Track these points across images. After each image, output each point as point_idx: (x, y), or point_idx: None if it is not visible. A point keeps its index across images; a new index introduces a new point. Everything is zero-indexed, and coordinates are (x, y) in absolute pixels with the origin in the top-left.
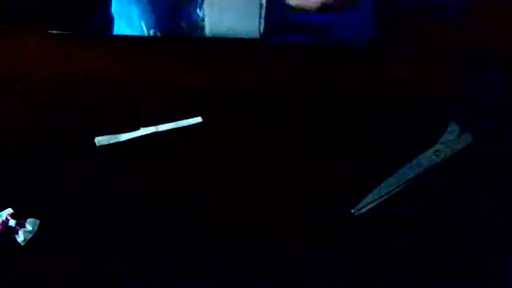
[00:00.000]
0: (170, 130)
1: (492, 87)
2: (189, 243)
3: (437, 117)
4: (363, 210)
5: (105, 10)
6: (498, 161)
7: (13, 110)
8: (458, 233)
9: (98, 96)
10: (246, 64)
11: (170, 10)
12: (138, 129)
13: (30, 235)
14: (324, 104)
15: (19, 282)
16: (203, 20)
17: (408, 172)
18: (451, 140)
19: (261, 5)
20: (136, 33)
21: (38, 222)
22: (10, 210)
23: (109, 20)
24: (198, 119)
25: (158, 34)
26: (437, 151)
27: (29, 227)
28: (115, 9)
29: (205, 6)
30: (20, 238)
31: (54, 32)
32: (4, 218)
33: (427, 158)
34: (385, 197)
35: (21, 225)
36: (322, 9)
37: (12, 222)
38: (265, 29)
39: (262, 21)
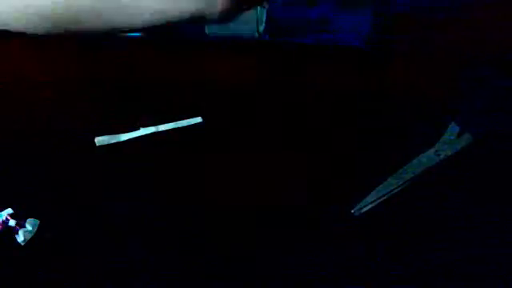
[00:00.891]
0: (170, 130)
1: (492, 87)
2: (189, 243)
3: (437, 117)
4: (363, 210)
5: None
6: (498, 161)
7: (13, 110)
8: (458, 233)
9: (98, 96)
10: (246, 64)
11: None
12: (138, 129)
13: (30, 235)
14: (324, 104)
15: (19, 281)
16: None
17: (408, 172)
18: (451, 140)
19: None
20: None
21: (37, 221)
22: (9, 210)
23: None
24: (198, 119)
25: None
26: (437, 151)
27: (29, 227)
28: None
29: None
30: (20, 238)
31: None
32: (4, 218)
33: (427, 157)
34: (385, 197)
35: (21, 225)
36: None
37: (12, 222)
38: (264, 29)
39: (262, 20)
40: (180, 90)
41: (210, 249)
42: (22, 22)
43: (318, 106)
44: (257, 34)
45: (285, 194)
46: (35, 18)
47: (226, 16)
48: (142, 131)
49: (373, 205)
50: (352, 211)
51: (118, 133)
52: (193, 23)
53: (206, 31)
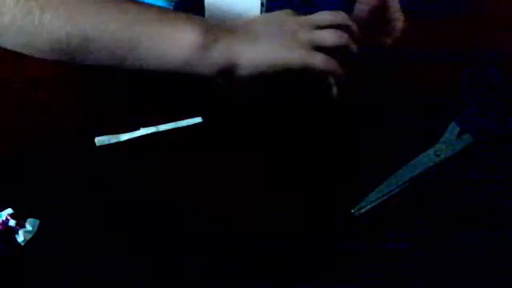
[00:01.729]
0: (170, 130)
1: (492, 87)
2: (189, 243)
3: (437, 117)
4: (363, 210)
5: None
6: (498, 161)
7: (12, 110)
8: (457, 233)
9: (99, 96)
10: None
11: None
12: (138, 129)
13: (30, 235)
14: (324, 103)
15: (19, 281)
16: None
17: (408, 172)
18: (451, 140)
19: (262, 4)
20: None
21: (37, 221)
22: (9, 210)
23: None
24: (198, 119)
25: None
26: (437, 151)
27: (29, 227)
28: None
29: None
30: (20, 238)
31: None
32: (4, 218)
33: (427, 157)
34: (385, 197)
35: (21, 225)
36: None
37: (12, 222)
38: None
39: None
40: (180, 90)
41: (209, 249)
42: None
43: (318, 105)
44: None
45: (285, 194)
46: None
47: None
48: (142, 131)
49: (373, 205)
50: (352, 211)
51: (118, 133)
52: None
53: (206, 14)
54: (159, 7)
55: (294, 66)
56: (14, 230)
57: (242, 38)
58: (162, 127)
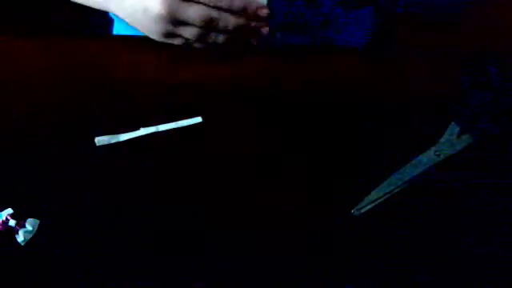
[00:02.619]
0: (170, 130)
1: (492, 87)
2: (189, 243)
3: (437, 117)
4: (363, 210)
5: (102, 12)
6: (498, 161)
7: (13, 110)
8: (458, 233)
9: (98, 96)
10: (246, 64)
11: None
12: (138, 129)
13: (30, 235)
14: (324, 103)
15: (19, 281)
16: None
17: (408, 172)
18: (451, 140)
19: None
20: (134, 31)
21: (38, 221)
22: (10, 210)
23: (108, 22)
24: (198, 119)
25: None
26: (437, 151)
27: (29, 227)
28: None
29: None
30: (20, 238)
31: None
32: (4, 218)
33: (427, 157)
34: (385, 197)
35: (21, 225)
36: None
37: (12, 222)
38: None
39: None
40: (180, 90)
41: (209, 248)
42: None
43: (318, 105)
44: None
45: (285, 194)
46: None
47: None
48: (142, 131)
49: (373, 205)
50: (352, 211)
51: (118, 133)
52: None
53: None
54: None
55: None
56: (14, 230)
57: None
58: (162, 127)
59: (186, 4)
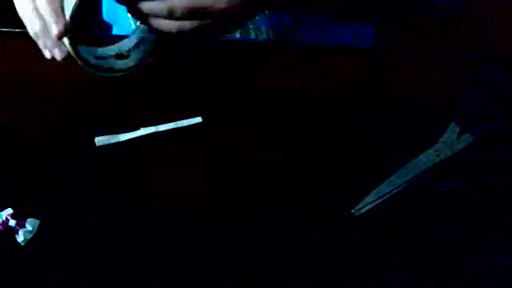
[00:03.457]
0: (170, 130)
1: (492, 87)
2: (189, 243)
3: (437, 117)
4: (363, 210)
5: (97, 16)
6: (498, 161)
7: (12, 110)
8: (457, 233)
9: (98, 96)
10: (245, 64)
11: None
12: (138, 129)
13: (30, 235)
14: (324, 104)
15: (19, 281)
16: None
17: (408, 172)
18: (451, 140)
19: None
20: (126, 31)
21: (38, 221)
22: (10, 210)
23: (106, 27)
24: (198, 119)
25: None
26: (437, 151)
27: (29, 227)
28: (106, 14)
29: None
30: (20, 238)
31: None
32: (4, 218)
33: (427, 157)
34: (385, 197)
35: (21, 225)
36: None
37: (12, 222)
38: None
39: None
40: (180, 90)
41: (209, 248)
42: None
43: (318, 106)
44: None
45: (285, 194)
46: None
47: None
48: (142, 131)
49: (373, 205)
50: (352, 211)
51: (118, 133)
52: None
53: None
54: None
55: None
56: (14, 230)
57: None
58: (162, 127)
59: None
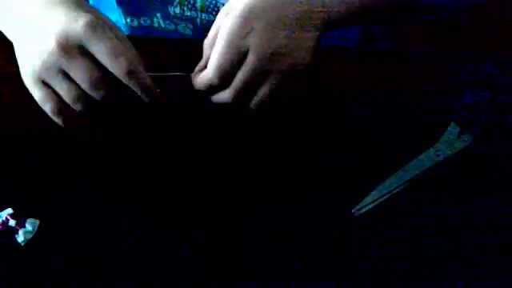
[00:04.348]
0: (170, 129)
1: (492, 87)
2: (188, 243)
3: (437, 117)
4: (363, 210)
5: None
6: (498, 161)
7: (13, 110)
8: (458, 233)
9: None
10: None
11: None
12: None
13: (30, 235)
14: (323, 104)
15: (19, 281)
16: (175, 17)
17: (408, 172)
18: (451, 140)
19: None
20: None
21: (38, 221)
22: (9, 210)
23: None
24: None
25: (135, 22)
26: (437, 151)
27: (29, 227)
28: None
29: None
30: (20, 238)
31: None
32: (4, 218)
33: (427, 157)
34: (385, 197)
35: (21, 225)
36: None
37: (12, 222)
38: None
39: None
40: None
41: (209, 248)
42: None
43: (318, 106)
44: None
45: (285, 194)
46: None
47: None
48: None
49: (373, 205)
50: (352, 211)
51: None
52: None
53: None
54: None
55: None
56: (14, 230)
57: None
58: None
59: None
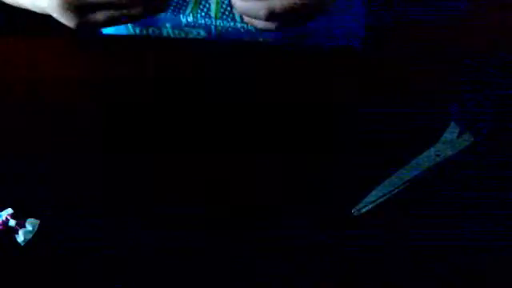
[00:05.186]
0: (170, 129)
1: (492, 87)
2: (188, 243)
3: (437, 117)
4: (363, 210)
5: None
6: (499, 161)
7: (13, 110)
8: (458, 233)
9: (96, 95)
10: (244, 65)
11: None
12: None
13: (30, 235)
14: (322, 104)
15: (19, 282)
16: (187, 26)
17: (408, 172)
18: (451, 140)
19: None
20: (121, 30)
21: (38, 221)
22: (9, 210)
23: None
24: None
25: (144, 32)
26: (437, 151)
27: (29, 227)
28: None
29: None
30: (20, 238)
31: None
32: (4, 218)
33: (427, 157)
34: (385, 197)
35: (21, 225)
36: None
37: (12, 222)
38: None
39: None
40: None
41: (209, 249)
42: None
43: (317, 106)
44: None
45: (285, 194)
46: None
47: None
48: None
49: (373, 205)
50: (352, 211)
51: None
52: None
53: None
54: None
55: None
56: (14, 230)
57: None
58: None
59: None
